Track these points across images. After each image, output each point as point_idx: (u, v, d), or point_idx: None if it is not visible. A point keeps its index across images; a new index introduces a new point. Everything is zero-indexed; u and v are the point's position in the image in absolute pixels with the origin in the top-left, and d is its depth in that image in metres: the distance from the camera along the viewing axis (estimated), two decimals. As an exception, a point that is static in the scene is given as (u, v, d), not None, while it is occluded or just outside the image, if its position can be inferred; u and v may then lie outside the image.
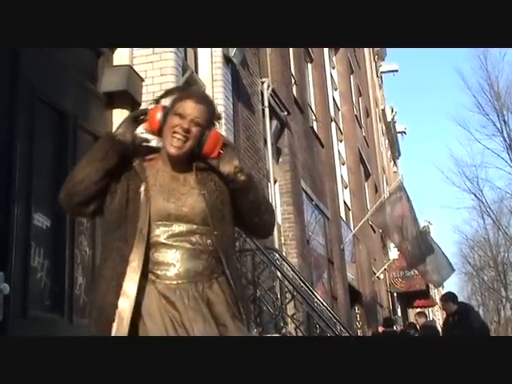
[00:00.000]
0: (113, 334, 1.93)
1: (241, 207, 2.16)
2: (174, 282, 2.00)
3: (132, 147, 2.13)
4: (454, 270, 17.54)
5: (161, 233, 2.04)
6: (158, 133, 2.14)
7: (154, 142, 2.22)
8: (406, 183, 33.79)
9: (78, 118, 4.42)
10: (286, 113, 9.89)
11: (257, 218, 2.20)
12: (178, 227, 2.05)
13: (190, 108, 2.10)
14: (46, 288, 3.84)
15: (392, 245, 21.15)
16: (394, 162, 37.11)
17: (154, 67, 5.21)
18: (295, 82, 11.63)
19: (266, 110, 8.77)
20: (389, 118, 32.15)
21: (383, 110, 30.94)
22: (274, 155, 9.06)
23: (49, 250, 3.89)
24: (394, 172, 34.28)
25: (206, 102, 2.17)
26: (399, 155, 40.15)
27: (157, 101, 2.24)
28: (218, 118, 2.23)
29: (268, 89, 8.81)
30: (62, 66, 4.34)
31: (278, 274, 6.83)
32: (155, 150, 2.19)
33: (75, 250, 4.17)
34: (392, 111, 32.79)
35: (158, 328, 1.94)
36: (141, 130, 2.18)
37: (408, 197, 15.29)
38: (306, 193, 10.98)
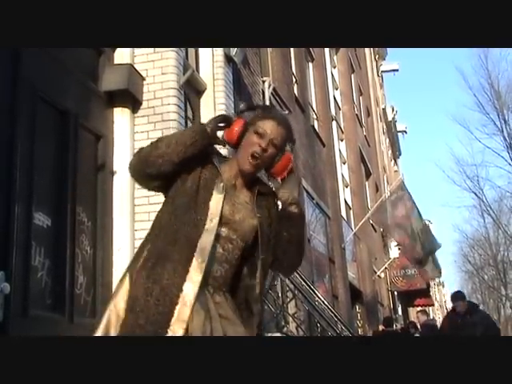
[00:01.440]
0: (174, 316, 1.95)
1: (281, 236, 2.21)
2: None
3: (213, 146, 2.18)
4: (439, 245, 17.07)
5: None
6: (234, 144, 2.18)
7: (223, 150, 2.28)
8: (407, 182, 33.80)
9: (79, 117, 4.42)
10: (287, 112, 9.88)
11: (290, 254, 2.25)
12: (221, 229, 2.08)
13: (270, 128, 2.15)
14: (47, 287, 3.83)
15: (393, 244, 21.16)
16: (395, 161, 37.11)
17: (155, 66, 5.20)
18: (296, 81, 11.62)
19: (267, 109, 8.76)
20: (389, 117, 32.14)
21: (384, 109, 30.93)
22: (274, 154, 9.04)
23: (49, 250, 3.89)
24: (395, 171, 34.28)
25: (286, 126, 2.22)
26: (400, 154, 40.15)
27: (241, 113, 2.28)
28: (293, 143, 2.30)
29: (269, 88, 8.81)
30: (63, 65, 4.33)
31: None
32: (223, 158, 2.24)
33: (76, 250, 4.17)
34: (393, 110, 32.79)
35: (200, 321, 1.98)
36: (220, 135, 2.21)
37: (410, 195, 15.28)
38: (306, 192, 10.97)
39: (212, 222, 2.05)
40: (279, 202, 2.22)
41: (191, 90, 5.93)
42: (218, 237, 2.07)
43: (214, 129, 2.13)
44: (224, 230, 2.09)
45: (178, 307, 1.95)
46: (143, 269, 2.03)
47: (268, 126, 2.14)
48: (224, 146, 2.21)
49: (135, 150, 2.27)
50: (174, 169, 2.08)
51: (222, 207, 2.08)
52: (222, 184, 2.11)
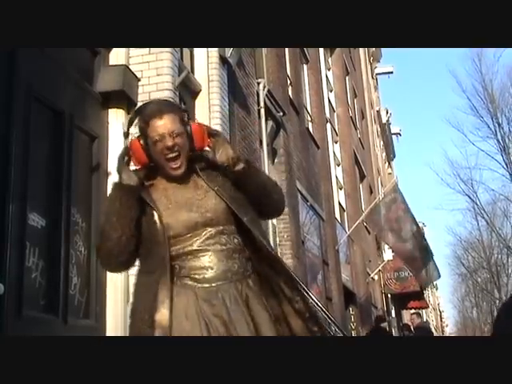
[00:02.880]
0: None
1: (248, 192, 2.18)
2: (214, 284, 2.05)
3: (140, 186, 2.13)
4: (440, 276, 17.82)
5: (192, 242, 2.07)
6: (149, 163, 2.15)
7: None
8: (401, 185, 33.86)
9: (74, 118, 4.41)
10: (281, 114, 9.89)
11: (266, 199, 2.22)
12: (207, 232, 2.09)
13: (161, 127, 2.09)
14: (41, 288, 3.82)
15: (387, 246, 21.19)
16: (389, 163, 37.17)
17: (150, 67, 5.20)
18: (291, 83, 11.63)
19: (262, 111, 8.77)
20: (384, 120, 32.21)
21: (378, 112, 30.99)
22: (269, 156, 9.06)
23: (44, 250, 3.88)
24: (389, 173, 34.34)
25: (166, 109, 2.15)
26: (394, 157, 40.22)
27: (127, 134, 2.30)
28: (184, 111, 2.22)
29: (264, 90, 8.81)
30: (59, 65, 4.32)
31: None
32: (153, 172, 2.19)
33: (70, 250, 4.15)
34: (387, 113, 32.85)
35: (197, 328, 1.98)
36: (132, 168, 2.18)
37: (403, 198, 15.31)
38: (301, 194, 10.98)
39: (164, 261, 2.03)
40: (224, 169, 2.15)
41: (186, 91, 5.93)
42: (210, 237, 2.08)
43: (130, 177, 2.08)
44: (210, 230, 2.09)
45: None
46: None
47: (157, 128, 2.09)
48: (147, 177, 2.16)
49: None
50: (136, 240, 2.07)
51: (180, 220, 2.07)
52: (156, 216, 2.07)
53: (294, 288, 2.18)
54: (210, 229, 2.09)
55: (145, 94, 5.11)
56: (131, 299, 2.13)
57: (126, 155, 2.14)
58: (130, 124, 2.22)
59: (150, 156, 2.12)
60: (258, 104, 8.74)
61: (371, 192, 22.73)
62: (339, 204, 16.14)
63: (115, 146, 4.88)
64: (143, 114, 2.16)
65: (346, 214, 16.76)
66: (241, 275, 2.09)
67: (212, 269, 2.05)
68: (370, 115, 26.64)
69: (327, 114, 15.59)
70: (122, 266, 2.15)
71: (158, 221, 2.06)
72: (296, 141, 11.07)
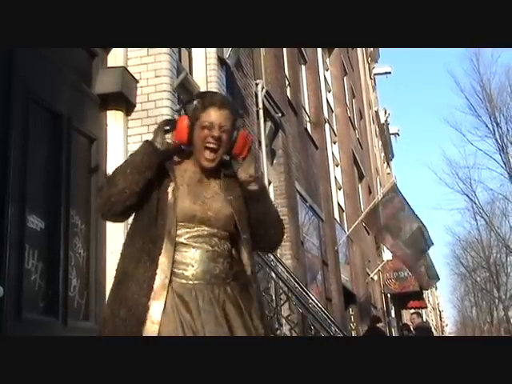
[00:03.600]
0: (143, 334, 1.95)
1: (251, 215, 2.20)
2: (191, 282, 2.05)
3: (167, 156, 2.15)
4: (439, 279, 18.02)
5: (182, 233, 2.09)
6: (187, 144, 2.15)
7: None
8: (400, 184, 33.85)
9: (73, 120, 4.41)
10: (280, 114, 9.89)
11: (263, 230, 2.24)
12: (200, 229, 2.11)
13: (215, 117, 2.11)
14: (40, 290, 3.82)
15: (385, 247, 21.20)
16: (388, 163, 37.19)
17: (148, 69, 5.20)
18: (289, 84, 11.64)
19: (261, 112, 8.78)
20: (382, 120, 32.23)
21: (376, 112, 31.01)
22: (268, 157, 9.06)
23: (43, 252, 3.87)
24: (388, 173, 34.36)
25: (228, 105, 2.18)
26: (393, 157, 40.24)
27: (181, 110, 2.26)
28: (241, 117, 2.29)
29: (262, 90, 8.82)
30: (57, 67, 4.32)
31: (273, 275, 6.83)
32: (184, 152, 2.20)
33: (69, 252, 4.15)
34: (385, 113, 32.88)
35: (173, 324, 1.97)
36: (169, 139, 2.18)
37: (403, 197, 15.31)
38: (300, 194, 10.98)
39: (170, 234, 2.04)
40: (240, 183, 2.19)
41: (185, 92, 5.93)
42: (201, 236, 2.09)
43: (162, 143, 2.11)
44: (203, 229, 2.10)
45: (145, 326, 1.96)
46: (111, 289, 2.08)
47: (211, 115, 2.11)
48: (179, 151, 2.19)
49: (129, 153, 2.28)
50: (138, 198, 2.08)
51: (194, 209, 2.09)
52: (171, 188, 2.09)
53: (261, 317, 2.15)
54: (204, 227, 2.10)
55: (143, 95, 5.11)
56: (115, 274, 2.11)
57: (169, 126, 2.14)
58: (187, 102, 2.21)
59: (190, 138, 2.13)
60: (257, 105, 8.75)
61: (370, 192, 22.73)
62: (338, 204, 16.15)
63: (114, 147, 4.88)
64: (205, 99, 2.17)
65: (345, 214, 16.76)
66: (220, 280, 2.09)
67: (193, 266, 2.06)
68: (368, 115, 26.65)
69: (326, 115, 15.59)
70: (115, 215, 2.13)
71: (170, 193, 2.08)
72: (295, 141, 11.07)
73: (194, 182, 2.15)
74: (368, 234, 19.72)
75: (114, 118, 4.98)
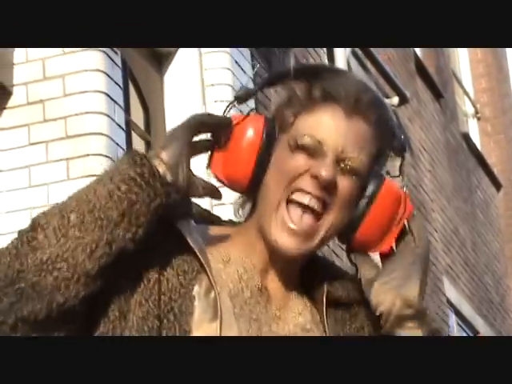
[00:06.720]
0: None
1: None
2: None
3: (181, 197, 0.89)
4: None
5: None
6: (245, 187, 0.93)
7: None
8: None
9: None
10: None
11: None
12: None
13: (333, 129, 0.91)
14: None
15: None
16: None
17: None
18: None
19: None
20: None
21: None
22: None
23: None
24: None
25: (374, 113, 0.92)
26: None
27: (247, 96, 1.00)
28: (403, 150, 0.97)
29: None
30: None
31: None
32: (212, 218, 1.02)
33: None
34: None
35: None
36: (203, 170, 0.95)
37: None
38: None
39: None
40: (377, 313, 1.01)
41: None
42: None
43: (187, 175, 0.88)
44: None
45: None
46: None
47: (324, 123, 0.91)
48: (218, 197, 0.93)
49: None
50: (93, 289, 0.93)
51: None
52: (213, 295, 0.92)
53: None
54: None
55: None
56: None
57: (214, 131, 0.92)
58: (268, 82, 1.07)
59: (257, 171, 0.91)
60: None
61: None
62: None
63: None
64: (318, 82, 0.95)
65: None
66: None
67: None
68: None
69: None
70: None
71: (211, 311, 0.93)
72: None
73: (247, 297, 0.95)
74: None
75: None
